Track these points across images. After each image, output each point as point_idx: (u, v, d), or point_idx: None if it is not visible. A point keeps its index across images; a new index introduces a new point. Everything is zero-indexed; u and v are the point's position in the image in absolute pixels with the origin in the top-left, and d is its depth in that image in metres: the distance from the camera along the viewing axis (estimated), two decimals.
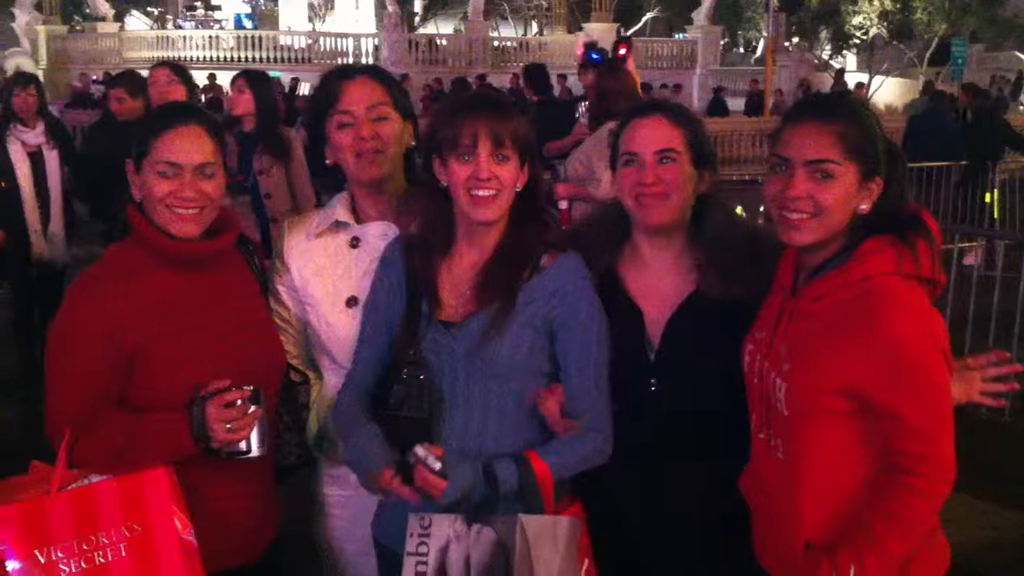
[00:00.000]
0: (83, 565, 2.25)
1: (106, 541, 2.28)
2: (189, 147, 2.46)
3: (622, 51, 6.57)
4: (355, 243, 2.72)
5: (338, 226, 2.76)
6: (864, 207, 2.22)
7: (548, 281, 2.41)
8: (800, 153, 2.20)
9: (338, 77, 2.73)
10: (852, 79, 32.75)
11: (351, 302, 2.67)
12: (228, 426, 2.34)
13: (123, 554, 2.28)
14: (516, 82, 21.31)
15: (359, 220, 2.75)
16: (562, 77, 23.87)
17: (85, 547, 2.26)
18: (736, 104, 27.17)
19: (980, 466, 4.65)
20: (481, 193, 2.35)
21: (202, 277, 2.53)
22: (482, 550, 2.29)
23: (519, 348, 2.38)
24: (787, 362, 2.24)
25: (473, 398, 2.41)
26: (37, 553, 2.24)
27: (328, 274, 2.72)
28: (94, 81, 22.32)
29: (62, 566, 2.24)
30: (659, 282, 2.60)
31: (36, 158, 6.81)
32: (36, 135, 6.81)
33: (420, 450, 2.25)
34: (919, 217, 2.24)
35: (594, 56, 8.05)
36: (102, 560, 2.27)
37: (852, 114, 2.23)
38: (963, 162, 12.20)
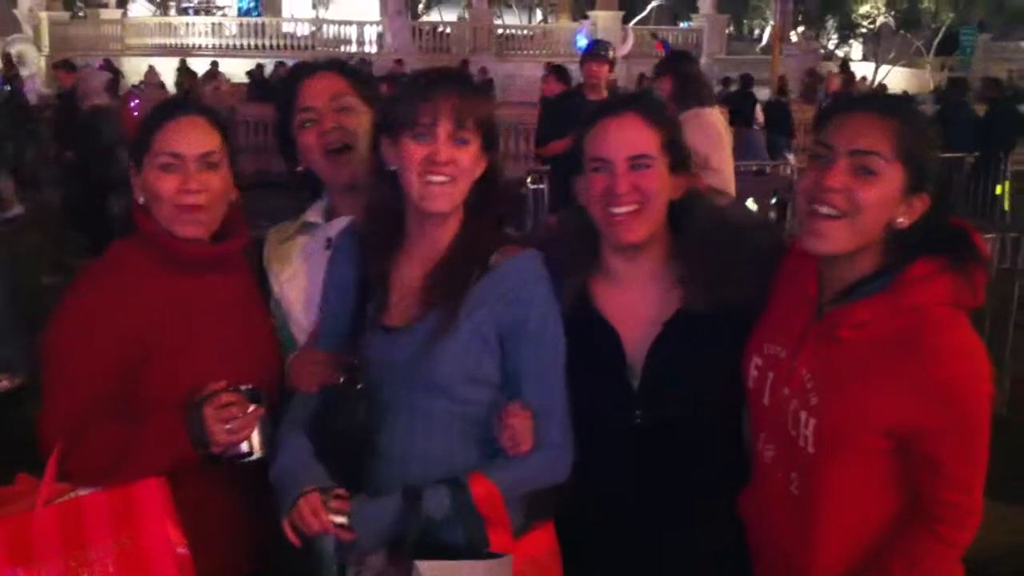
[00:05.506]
0: None
1: (94, 557, 2.16)
2: (191, 136, 2.37)
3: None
4: (329, 244, 2.57)
5: (308, 228, 2.65)
6: (902, 221, 2.01)
7: (497, 283, 2.18)
8: (846, 141, 2.00)
9: (297, 75, 2.64)
10: (858, 68, 32.54)
11: None
12: (227, 427, 2.23)
13: (110, 570, 2.16)
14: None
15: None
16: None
17: (72, 564, 2.14)
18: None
19: (999, 467, 4.47)
20: (436, 179, 2.13)
21: (207, 280, 2.43)
22: None
23: (465, 358, 2.17)
24: (816, 395, 2.06)
25: (416, 409, 2.20)
26: (21, 573, 2.12)
27: (301, 279, 2.61)
28: (99, 68, 22.19)
29: None
30: (638, 301, 2.34)
31: None
32: None
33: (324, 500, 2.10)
34: (971, 238, 2.05)
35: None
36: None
37: (914, 117, 2.05)
38: (975, 153, 12.08)
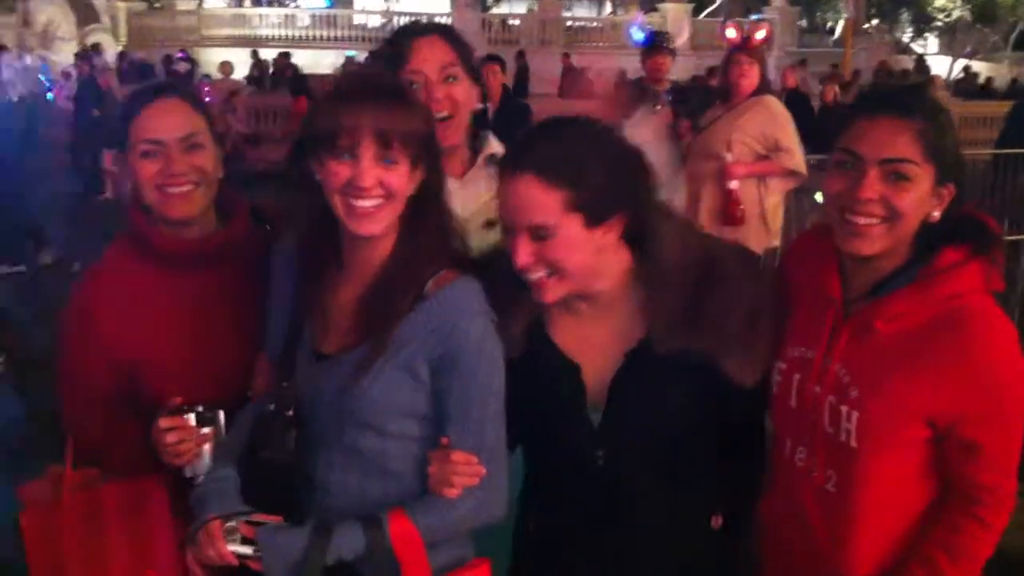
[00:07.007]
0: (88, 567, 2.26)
1: (109, 542, 2.26)
2: (169, 121, 2.29)
3: (759, 34, 6.67)
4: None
5: None
6: (936, 215, 2.01)
7: (429, 316, 2.00)
8: (875, 150, 1.96)
9: (409, 34, 2.60)
10: (933, 62, 31.98)
11: None
12: (167, 451, 2.18)
13: (124, 554, 2.26)
14: None
15: None
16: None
17: (91, 549, 2.25)
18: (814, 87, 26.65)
19: None
20: (361, 204, 1.96)
21: (208, 276, 2.35)
22: None
23: (393, 393, 2.01)
24: (856, 388, 2.05)
25: (347, 443, 2.05)
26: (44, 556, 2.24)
27: None
28: (179, 58, 22.63)
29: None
30: (596, 331, 2.14)
31: None
32: None
33: (232, 527, 1.99)
34: (987, 223, 2.05)
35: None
36: (105, 563, 2.24)
37: (931, 112, 2.00)
38: None
